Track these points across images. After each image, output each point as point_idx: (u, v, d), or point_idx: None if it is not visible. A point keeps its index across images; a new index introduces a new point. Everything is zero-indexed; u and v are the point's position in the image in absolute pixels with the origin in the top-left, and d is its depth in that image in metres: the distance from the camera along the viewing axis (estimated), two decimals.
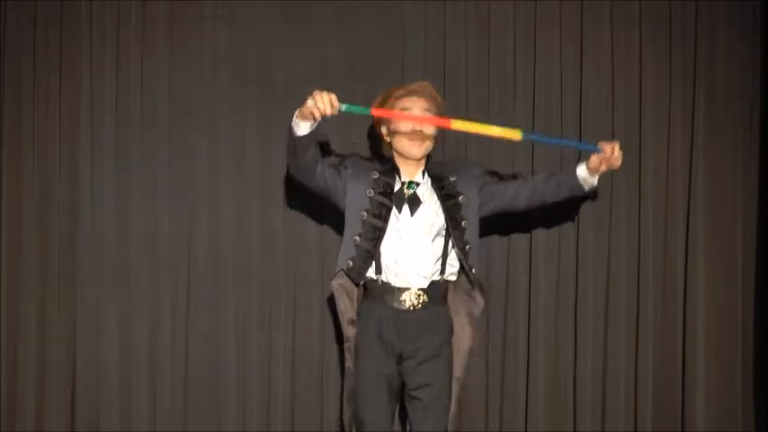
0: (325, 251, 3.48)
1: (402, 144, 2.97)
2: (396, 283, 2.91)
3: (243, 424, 3.51)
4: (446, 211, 2.93)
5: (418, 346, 2.90)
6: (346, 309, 2.95)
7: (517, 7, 3.50)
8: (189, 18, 3.51)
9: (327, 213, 3.43)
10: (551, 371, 3.46)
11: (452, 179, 2.98)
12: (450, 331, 2.96)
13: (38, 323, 3.50)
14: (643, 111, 3.47)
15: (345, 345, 2.98)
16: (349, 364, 2.96)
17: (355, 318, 2.96)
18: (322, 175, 2.97)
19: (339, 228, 3.36)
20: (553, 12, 3.48)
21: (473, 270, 2.93)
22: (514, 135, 2.88)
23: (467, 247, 2.92)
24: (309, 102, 2.73)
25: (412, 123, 2.93)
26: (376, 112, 2.90)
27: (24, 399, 3.49)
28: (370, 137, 3.41)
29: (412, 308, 2.90)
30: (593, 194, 3.25)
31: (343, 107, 2.76)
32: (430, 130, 2.96)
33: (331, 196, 3.02)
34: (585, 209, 3.47)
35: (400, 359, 2.91)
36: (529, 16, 3.49)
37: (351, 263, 2.91)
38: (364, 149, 3.44)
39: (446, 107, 3.44)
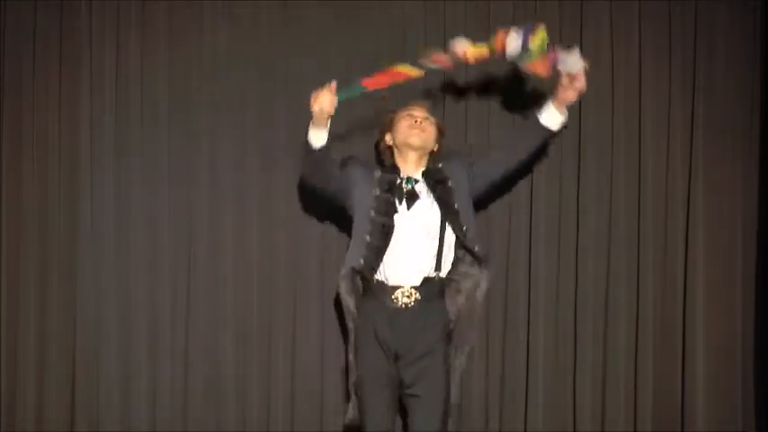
0: (326, 250, 3.49)
1: (403, 134, 3.05)
2: (390, 281, 2.94)
3: (243, 424, 3.50)
4: (438, 199, 2.98)
5: (412, 345, 2.92)
6: (352, 308, 3.00)
7: (517, 7, 3.50)
8: (189, 17, 3.51)
9: (327, 212, 3.43)
10: (551, 371, 3.45)
11: (439, 166, 3.06)
12: (446, 329, 2.98)
13: (37, 323, 3.50)
14: (642, 110, 3.46)
15: (350, 338, 3.02)
16: (351, 356, 3.01)
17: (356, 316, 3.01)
18: (339, 176, 3.04)
19: (339, 226, 3.40)
20: (553, 11, 3.48)
21: (475, 248, 2.98)
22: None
23: (464, 228, 2.97)
24: (315, 106, 2.84)
25: (412, 119, 3.03)
26: (367, 82, 2.92)
27: (24, 399, 3.49)
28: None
29: (404, 306, 2.92)
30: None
31: (341, 95, 2.85)
32: (430, 127, 3.05)
33: (342, 197, 3.07)
34: (586, 209, 3.47)
35: (396, 358, 2.93)
36: (528, 16, 3.45)
37: (362, 261, 2.93)
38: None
39: (445, 107, 3.47)
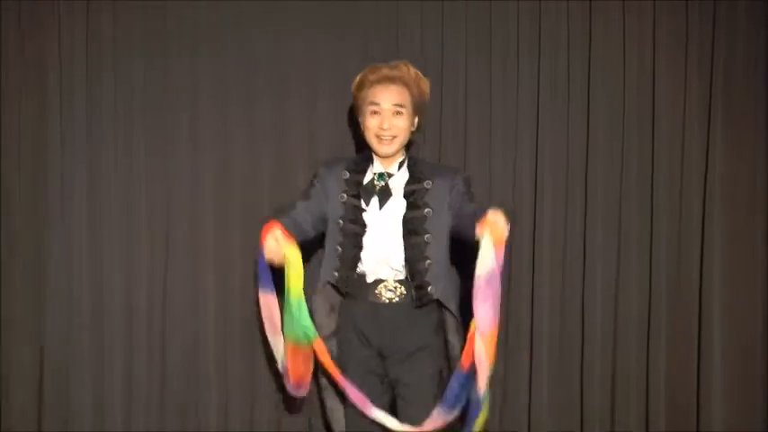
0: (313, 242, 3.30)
1: (372, 142, 2.82)
2: (370, 278, 2.79)
3: (224, 424, 3.37)
4: (405, 222, 2.77)
5: (400, 343, 2.78)
6: (326, 324, 2.87)
7: (521, 8, 3.38)
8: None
9: None
10: (556, 368, 3.34)
11: (426, 187, 2.80)
12: (438, 323, 2.82)
13: (4, 317, 3.32)
14: (656, 104, 3.35)
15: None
16: (324, 382, 2.88)
17: (334, 330, 2.88)
18: (316, 222, 2.87)
19: None
20: (560, 10, 3.37)
21: (429, 288, 2.75)
22: None
23: (426, 263, 2.75)
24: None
25: (379, 121, 2.77)
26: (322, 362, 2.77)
27: None
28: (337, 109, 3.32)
29: (388, 301, 2.78)
30: None
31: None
32: (402, 123, 2.78)
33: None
34: (593, 205, 3.37)
35: (382, 356, 2.80)
36: (533, 17, 3.37)
37: (336, 273, 2.80)
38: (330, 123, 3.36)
39: (443, 100, 3.36)
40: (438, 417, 2.67)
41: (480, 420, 2.69)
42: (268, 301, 2.81)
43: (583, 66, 3.37)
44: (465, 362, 2.59)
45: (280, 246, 2.65)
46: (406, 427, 2.70)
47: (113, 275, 3.35)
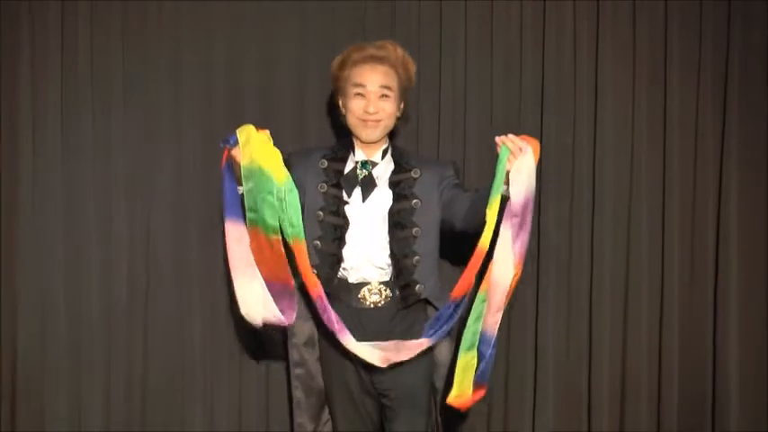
0: None
1: (355, 126, 2.63)
2: (352, 278, 2.60)
3: (211, 423, 3.26)
4: (392, 214, 2.59)
5: None
6: (301, 330, 2.71)
7: (525, 7, 3.32)
8: None
9: None
10: (563, 366, 3.26)
11: (414, 176, 2.63)
12: (425, 324, 2.62)
13: None
14: (668, 102, 3.28)
15: (294, 372, 2.72)
16: (298, 395, 2.72)
17: (309, 336, 2.70)
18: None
19: None
20: (566, 10, 3.32)
21: (417, 287, 2.59)
22: None
23: (414, 258, 2.58)
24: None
25: (364, 104, 2.60)
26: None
27: None
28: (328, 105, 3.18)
29: (373, 306, 2.59)
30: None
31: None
32: (389, 107, 2.61)
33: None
34: (600, 205, 3.29)
35: (369, 367, 2.56)
36: (537, 17, 3.31)
37: (315, 271, 2.53)
38: (321, 121, 3.25)
39: (441, 97, 3.28)
40: (414, 344, 2.47)
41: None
42: (239, 232, 2.42)
43: (590, 60, 3.31)
44: (459, 291, 2.38)
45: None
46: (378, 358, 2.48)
47: (91, 277, 3.24)
